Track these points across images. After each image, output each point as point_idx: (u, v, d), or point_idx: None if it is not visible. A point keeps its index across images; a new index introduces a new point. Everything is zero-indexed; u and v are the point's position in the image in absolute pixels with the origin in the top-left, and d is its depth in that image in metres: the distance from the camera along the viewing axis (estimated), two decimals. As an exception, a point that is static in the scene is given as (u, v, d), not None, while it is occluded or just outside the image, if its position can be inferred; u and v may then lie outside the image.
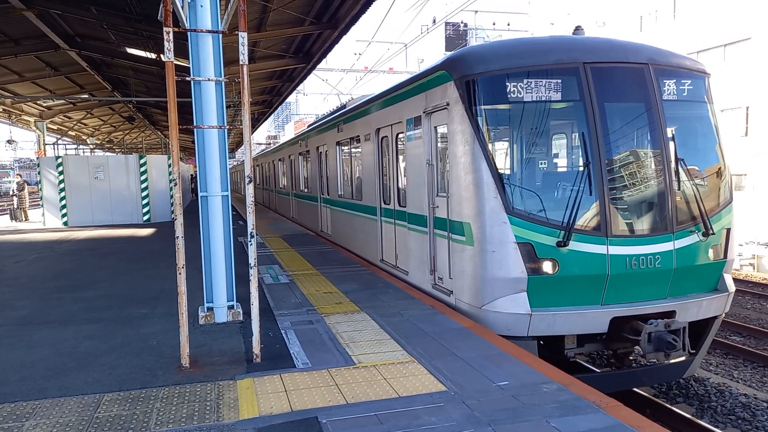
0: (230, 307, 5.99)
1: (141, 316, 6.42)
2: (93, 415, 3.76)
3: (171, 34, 4.30)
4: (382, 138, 8.93)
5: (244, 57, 4.55)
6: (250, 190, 4.71)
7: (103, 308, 6.83)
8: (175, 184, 4.51)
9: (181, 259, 4.55)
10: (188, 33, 5.33)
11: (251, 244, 4.69)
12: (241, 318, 5.98)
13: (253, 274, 4.71)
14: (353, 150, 10.85)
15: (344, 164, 11.87)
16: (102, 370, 4.64)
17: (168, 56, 4.33)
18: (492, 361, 4.58)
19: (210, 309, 5.93)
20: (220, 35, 5.49)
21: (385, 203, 9.06)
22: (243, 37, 4.53)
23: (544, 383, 4.09)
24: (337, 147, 11.91)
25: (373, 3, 10.84)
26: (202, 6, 5.38)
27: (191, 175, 35.35)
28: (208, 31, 5.33)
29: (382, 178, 9.16)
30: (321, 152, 13.49)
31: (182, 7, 5.20)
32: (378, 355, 4.82)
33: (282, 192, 21.04)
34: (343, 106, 13.32)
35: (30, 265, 10.54)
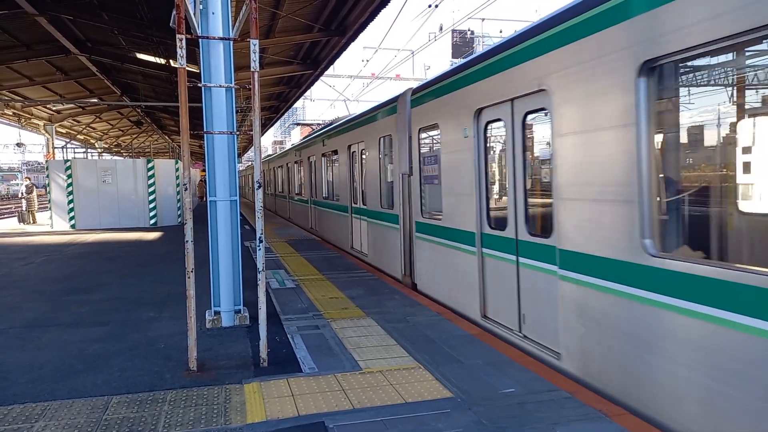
0: (237, 312, 6.04)
1: (148, 319, 6.45)
2: (102, 417, 3.79)
3: (184, 41, 4.36)
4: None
5: (255, 64, 4.60)
6: (259, 196, 4.75)
7: (110, 311, 6.88)
8: (186, 189, 4.55)
9: (190, 263, 4.59)
10: (200, 40, 5.39)
11: (260, 249, 4.72)
12: (247, 322, 6.02)
13: (261, 278, 4.74)
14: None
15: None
16: (110, 372, 4.68)
17: (181, 63, 4.39)
18: (498, 368, 4.58)
19: (217, 313, 5.98)
20: (231, 42, 5.56)
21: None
22: (255, 45, 4.59)
23: (550, 391, 4.09)
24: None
25: (381, 11, 10.93)
26: (213, 13, 5.45)
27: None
28: (220, 38, 5.40)
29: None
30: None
31: (194, 15, 5.26)
32: (384, 361, 4.84)
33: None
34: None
35: (38, 267, 10.62)
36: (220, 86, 5.54)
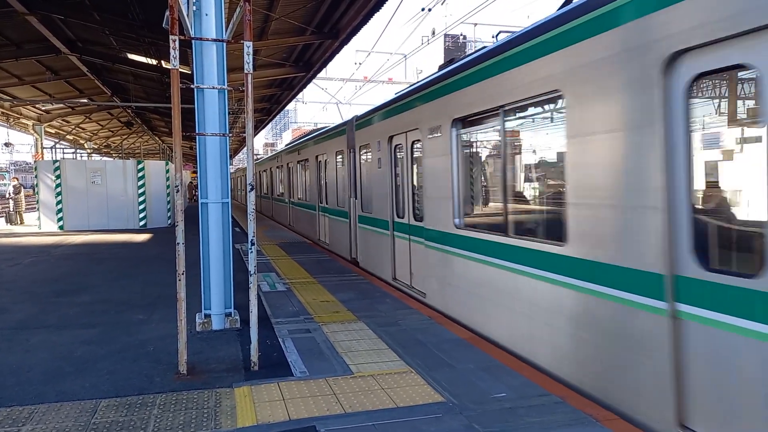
0: (228, 315, 6.00)
1: (138, 321, 6.40)
2: (90, 420, 3.74)
3: (177, 42, 4.34)
4: None
5: (249, 66, 4.59)
6: (251, 198, 4.74)
7: (100, 313, 6.82)
8: (178, 191, 4.53)
9: (181, 265, 4.55)
10: (193, 41, 5.37)
11: (251, 252, 4.70)
12: (238, 325, 5.98)
13: (253, 282, 4.72)
14: None
15: None
16: (99, 375, 4.63)
17: (173, 64, 4.36)
18: (490, 372, 4.59)
19: (207, 316, 5.94)
20: (224, 44, 5.54)
21: None
22: (248, 47, 4.57)
23: (542, 395, 4.10)
24: None
25: (374, 14, 10.95)
26: (207, 15, 5.43)
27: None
28: (213, 40, 5.38)
29: None
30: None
31: (188, 16, 5.24)
32: (376, 365, 4.83)
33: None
34: None
35: (26, 268, 10.50)
36: (213, 88, 5.52)
